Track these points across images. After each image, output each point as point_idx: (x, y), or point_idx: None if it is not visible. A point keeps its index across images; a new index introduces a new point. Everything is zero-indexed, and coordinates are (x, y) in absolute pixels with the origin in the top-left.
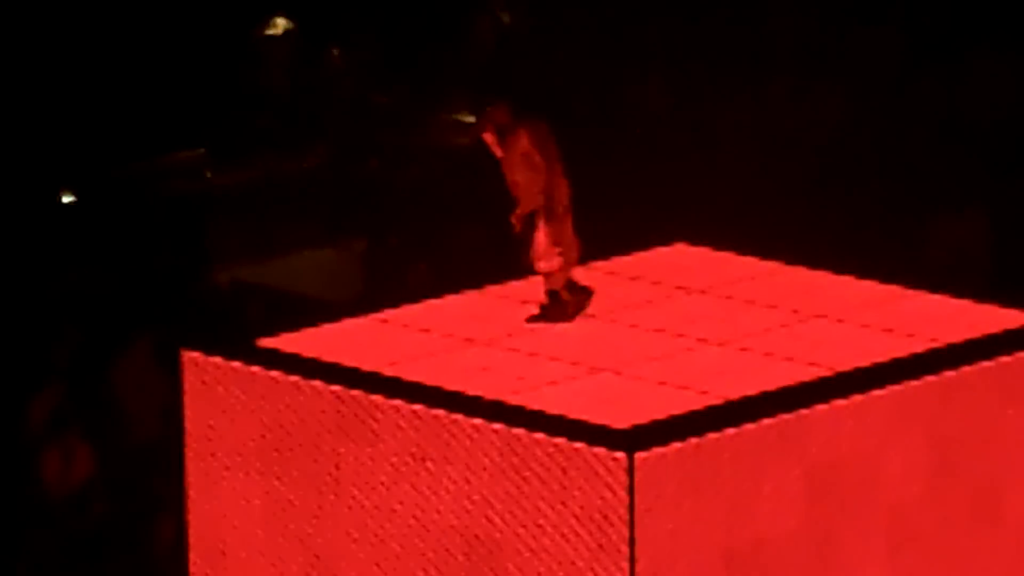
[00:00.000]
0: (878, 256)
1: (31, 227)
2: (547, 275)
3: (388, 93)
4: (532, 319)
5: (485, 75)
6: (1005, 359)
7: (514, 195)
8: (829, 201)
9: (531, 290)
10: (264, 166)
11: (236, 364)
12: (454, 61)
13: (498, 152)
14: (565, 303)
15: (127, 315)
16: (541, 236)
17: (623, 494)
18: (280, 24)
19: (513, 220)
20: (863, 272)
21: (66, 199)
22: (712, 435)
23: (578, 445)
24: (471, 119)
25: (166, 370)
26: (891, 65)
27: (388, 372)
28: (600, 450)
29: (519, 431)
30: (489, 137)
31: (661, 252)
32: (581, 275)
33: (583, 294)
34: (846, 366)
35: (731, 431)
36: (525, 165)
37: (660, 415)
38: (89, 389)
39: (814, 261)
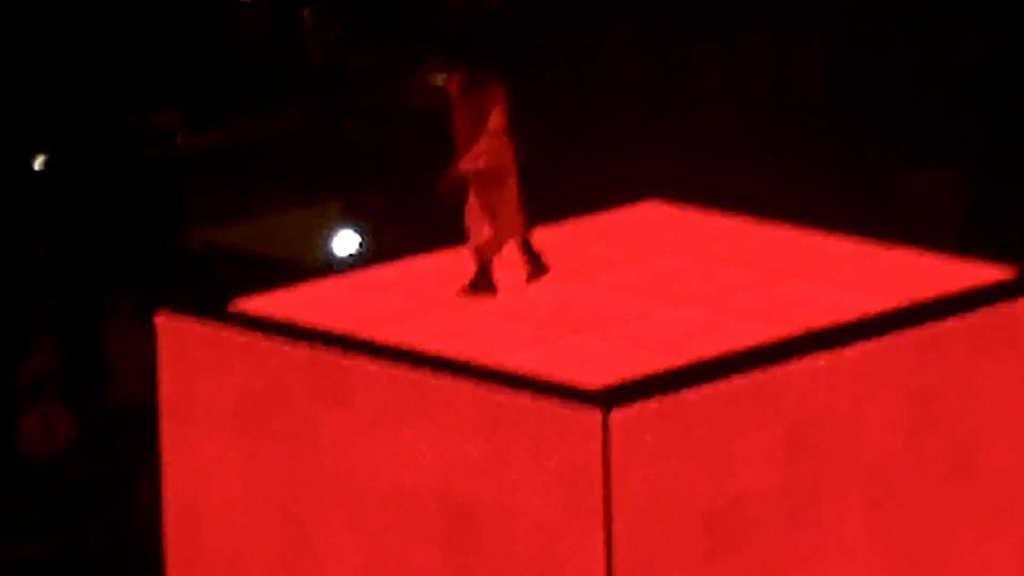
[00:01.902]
0: (851, 212)
1: (6, 192)
2: (476, 246)
3: (361, 56)
4: (460, 292)
5: (453, 36)
6: (979, 314)
7: (455, 159)
8: (800, 157)
9: (505, 251)
10: (238, 129)
11: (210, 326)
12: (427, 23)
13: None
14: (491, 276)
15: (106, 279)
16: (473, 205)
17: (599, 453)
18: None
19: (439, 184)
20: (836, 228)
21: (40, 163)
22: (688, 393)
23: (553, 404)
24: (439, 80)
25: (147, 333)
26: (864, 21)
27: (363, 334)
28: (575, 409)
29: (495, 391)
30: (451, 95)
31: (631, 210)
32: (551, 233)
33: (536, 264)
34: (821, 323)
35: (707, 389)
36: (473, 128)
37: (635, 374)
38: (70, 353)
39: (786, 217)
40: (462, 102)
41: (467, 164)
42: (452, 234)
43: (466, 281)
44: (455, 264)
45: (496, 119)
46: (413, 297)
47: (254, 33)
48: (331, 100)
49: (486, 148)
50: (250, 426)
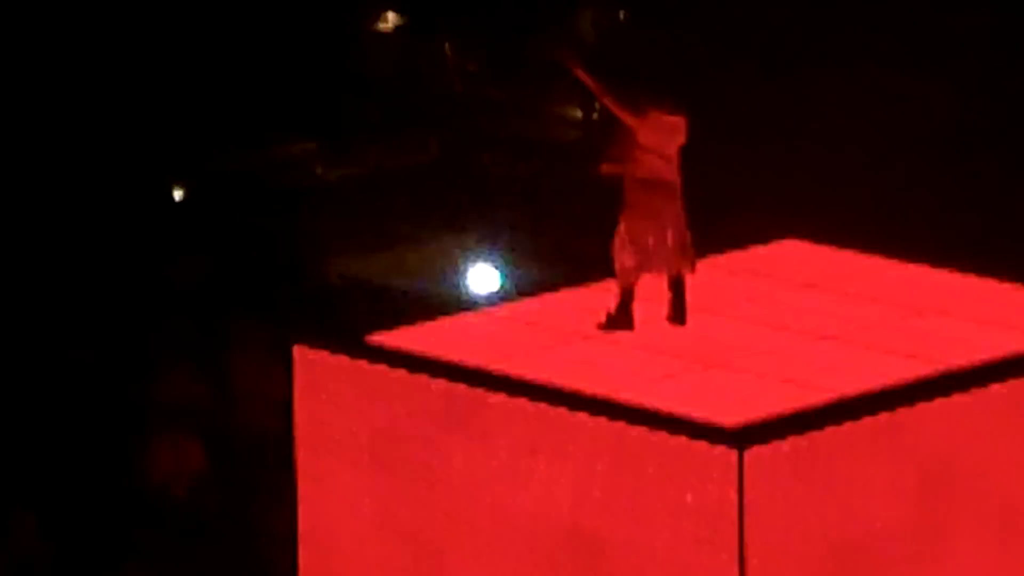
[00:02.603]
0: (988, 250)
1: (144, 220)
2: (619, 271)
3: (499, 87)
4: (599, 326)
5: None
6: None
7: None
8: (938, 195)
9: (644, 285)
10: (374, 160)
11: (346, 359)
12: (559, 55)
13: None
14: (630, 311)
15: (240, 308)
16: (620, 232)
17: (733, 490)
18: (391, 19)
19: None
20: (973, 266)
21: (178, 193)
22: (821, 432)
23: (688, 442)
24: (577, 113)
25: (279, 363)
26: (1001, 57)
27: (498, 367)
28: (710, 447)
29: (630, 428)
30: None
31: (772, 248)
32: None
33: (679, 308)
34: (957, 362)
35: (840, 428)
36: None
37: (770, 411)
38: (203, 384)
39: (924, 255)
40: (642, 123)
41: (608, 168)
42: (586, 268)
43: (605, 315)
44: (590, 299)
45: (667, 143)
46: (549, 331)
47: (393, 64)
48: (469, 131)
49: (639, 158)
50: (384, 458)
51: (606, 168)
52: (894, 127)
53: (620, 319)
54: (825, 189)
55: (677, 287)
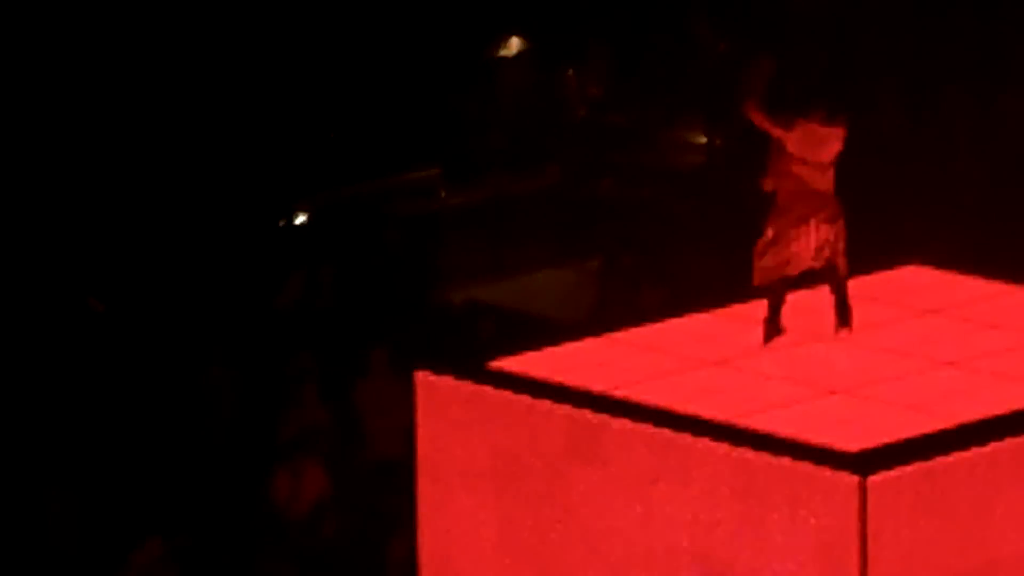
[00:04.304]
0: None
1: (267, 247)
2: (757, 271)
3: (622, 113)
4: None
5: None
6: None
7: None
8: None
9: (761, 311)
10: (497, 186)
11: (468, 384)
12: (683, 82)
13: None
14: (778, 319)
15: (364, 335)
16: (766, 235)
17: (855, 518)
18: (514, 44)
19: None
20: None
21: (301, 218)
22: (943, 458)
23: (810, 468)
24: (701, 139)
25: (404, 389)
26: None
27: (619, 393)
28: (832, 473)
29: (751, 454)
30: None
31: (895, 273)
32: (815, 294)
33: (844, 315)
34: None
35: (963, 454)
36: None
37: (892, 437)
38: (328, 409)
39: None
40: (791, 134)
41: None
42: (708, 293)
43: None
44: (713, 324)
45: (818, 153)
46: (671, 357)
47: (514, 89)
48: (590, 158)
49: (789, 169)
50: (505, 484)
51: (767, 184)
52: (1018, 151)
53: (770, 328)
54: (951, 213)
55: (838, 290)
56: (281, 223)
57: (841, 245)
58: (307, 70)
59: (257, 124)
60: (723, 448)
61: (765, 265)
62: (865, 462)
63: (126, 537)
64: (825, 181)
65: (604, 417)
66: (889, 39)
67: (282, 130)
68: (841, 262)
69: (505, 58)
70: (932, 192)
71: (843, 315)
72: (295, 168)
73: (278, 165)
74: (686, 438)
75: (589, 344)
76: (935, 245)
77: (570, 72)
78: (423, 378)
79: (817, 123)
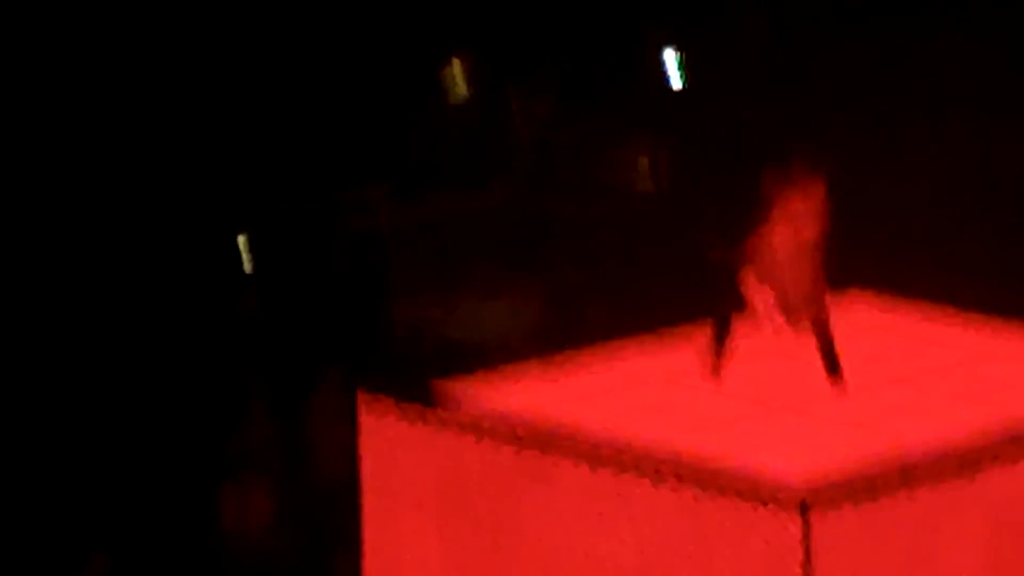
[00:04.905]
0: None
1: (216, 263)
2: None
3: (569, 131)
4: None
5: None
6: None
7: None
8: (1008, 241)
9: (707, 329)
10: (445, 204)
11: (411, 406)
12: (630, 100)
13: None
14: (723, 338)
15: (314, 352)
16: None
17: (799, 552)
18: (460, 63)
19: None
20: None
21: (243, 237)
22: (887, 492)
23: (754, 504)
24: (648, 157)
25: (350, 410)
26: None
27: (566, 415)
28: (776, 510)
29: (695, 489)
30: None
31: (838, 297)
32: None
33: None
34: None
35: (908, 490)
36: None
37: (836, 457)
38: (276, 427)
39: (993, 305)
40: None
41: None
42: (655, 313)
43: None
44: (658, 344)
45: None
46: (616, 376)
47: (462, 108)
48: (539, 176)
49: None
50: (451, 505)
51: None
52: (963, 174)
53: (715, 349)
54: (891, 236)
55: (821, 337)
56: (231, 239)
57: (823, 299)
58: (257, 87)
59: (207, 139)
60: (665, 482)
61: (756, 307)
62: (807, 500)
63: (72, 553)
64: (810, 230)
65: (551, 440)
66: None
67: (232, 146)
68: (824, 315)
69: (453, 77)
70: (868, 216)
71: (831, 365)
72: (245, 184)
73: (229, 181)
74: (627, 472)
75: (535, 364)
76: (874, 270)
77: (511, 90)
78: (366, 398)
79: (798, 181)
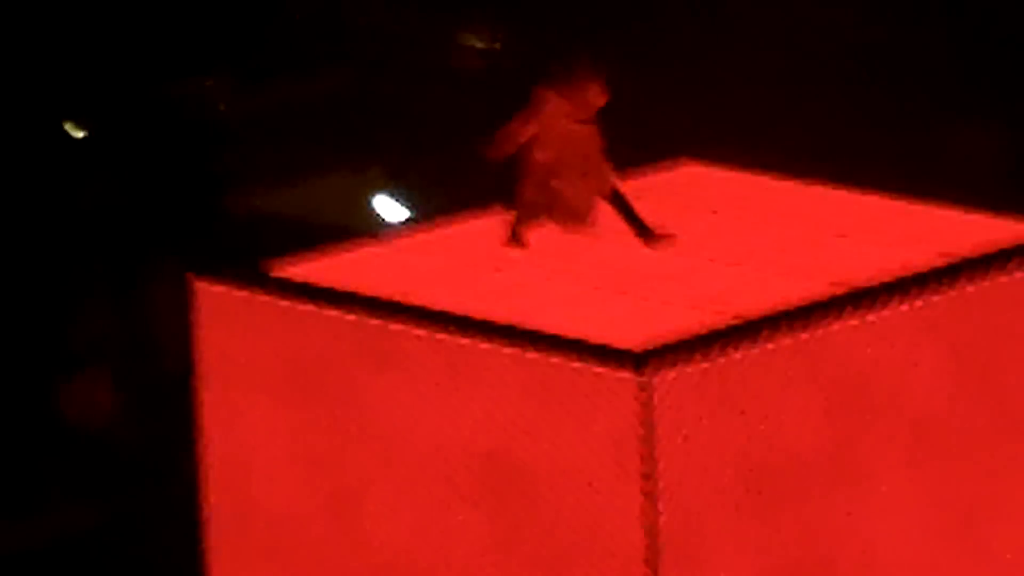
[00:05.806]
0: (894, 168)
1: (45, 159)
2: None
3: (402, 17)
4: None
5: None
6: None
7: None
8: (840, 112)
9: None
10: (281, 93)
11: (250, 293)
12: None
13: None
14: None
15: (150, 245)
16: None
17: (641, 415)
18: None
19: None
20: (878, 185)
21: (79, 129)
22: (728, 354)
23: (596, 368)
24: (481, 44)
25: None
26: None
27: (406, 298)
28: (618, 372)
29: (537, 355)
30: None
31: (667, 170)
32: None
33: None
34: (863, 281)
35: (746, 349)
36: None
37: (674, 334)
38: (115, 321)
39: (826, 175)
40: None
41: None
42: (491, 197)
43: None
44: (496, 228)
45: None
46: (452, 260)
47: None
48: (372, 62)
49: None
50: (294, 391)
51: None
52: (797, 41)
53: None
54: (719, 106)
55: (620, 204)
56: (66, 131)
57: (611, 176)
58: None
59: (41, 32)
60: (508, 350)
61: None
62: (649, 360)
63: None
64: (592, 140)
65: (392, 322)
66: None
67: (69, 33)
68: (611, 186)
69: None
70: (701, 86)
71: (642, 231)
72: (81, 72)
73: (63, 68)
74: (470, 342)
75: (373, 249)
76: (703, 140)
77: None
78: (203, 286)
79: (580, 81)
